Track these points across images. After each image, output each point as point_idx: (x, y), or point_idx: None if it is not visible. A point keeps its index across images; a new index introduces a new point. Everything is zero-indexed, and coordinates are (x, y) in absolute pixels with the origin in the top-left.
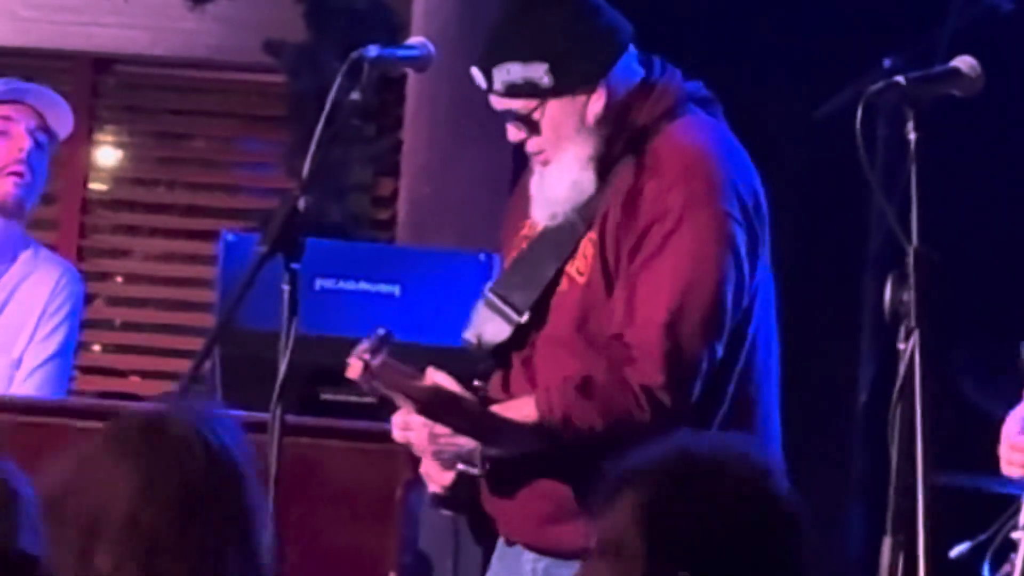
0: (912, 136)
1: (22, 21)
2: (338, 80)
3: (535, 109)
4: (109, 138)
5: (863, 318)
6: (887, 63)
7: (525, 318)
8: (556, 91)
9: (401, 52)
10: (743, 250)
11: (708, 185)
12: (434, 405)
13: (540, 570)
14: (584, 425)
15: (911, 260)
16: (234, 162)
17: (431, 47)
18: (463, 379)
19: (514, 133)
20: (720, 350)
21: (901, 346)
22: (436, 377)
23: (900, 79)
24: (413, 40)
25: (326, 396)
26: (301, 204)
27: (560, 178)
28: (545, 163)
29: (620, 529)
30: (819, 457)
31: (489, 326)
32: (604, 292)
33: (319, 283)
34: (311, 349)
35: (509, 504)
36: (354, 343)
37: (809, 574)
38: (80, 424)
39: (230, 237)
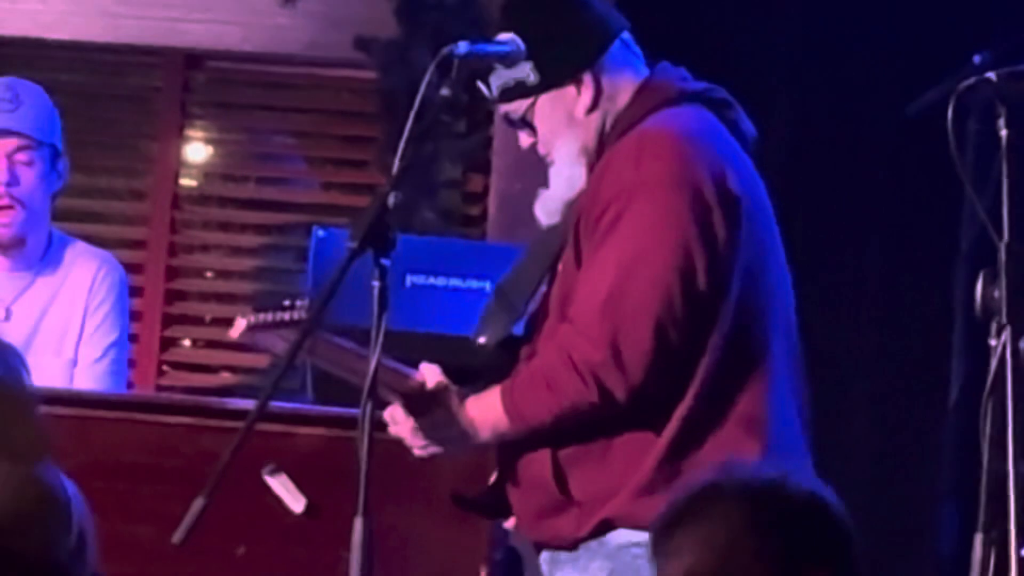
0: (1004, 132)
1: (112, 17)
2: (428, 76)
3: (528, 109)
4: (200, 134)
5: (955, 314)
6: (977, 59)
7: (522, 315)
8: (543, 87)
9: (491, 48)
10: (695, 235)
11: (660, 167)
12: (417, 401)
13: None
14: (541, 408)
15: (1003, 256)
16: (324, 158)
17: (521, 43)
18: (480, 373)
19: (524, 139)
20: (675, 335)
21: (993, 342)
22: (426, 373)
23: (991, 75)
24: (503, 36)
25: None
26: (391, 200)
27: (557, 175)
28: (551, 163)
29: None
30: (911, 454)
31: (492, 324)
32: (576, 276)
33: (409, 279)
34: (401, 345)
35: (513, 498)
36: (444, 339)
37: None
38: (171, 420)
39: (321, 233)
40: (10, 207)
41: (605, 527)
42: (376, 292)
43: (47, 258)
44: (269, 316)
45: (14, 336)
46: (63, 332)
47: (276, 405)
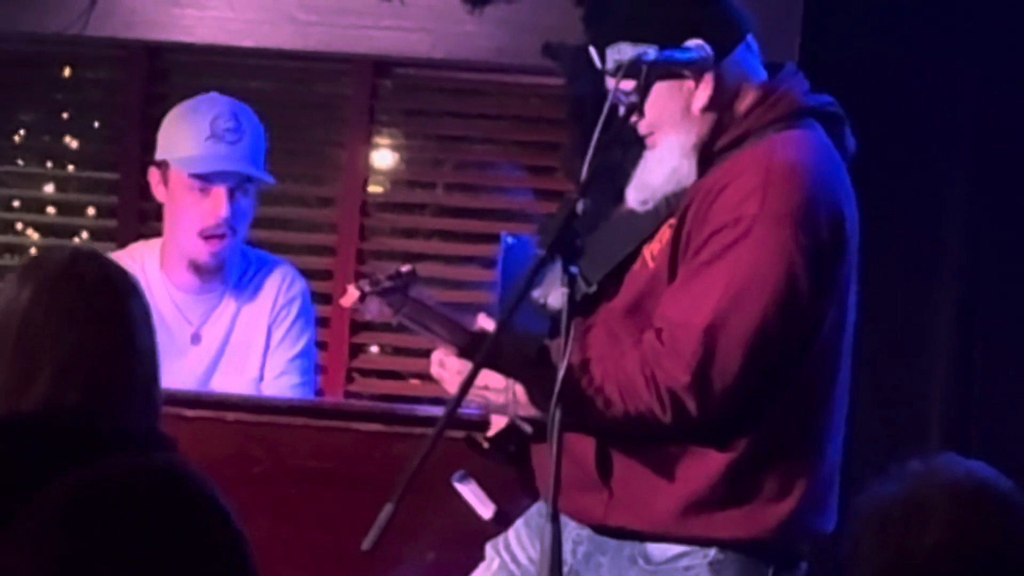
0: None
1: (301, 24)
2: (617, 82)
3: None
4: (388, 141)
5: None
6: None
7: (592, 289)
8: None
9: (678, 55)
10: (805, 278)
11: (785, 203)
12: (472, 351)
13: (580, 553)
14: (608, 410)
15: None
16: (513, 164)
17: (708, 49)
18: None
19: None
20: (761, 373)
21: None
22: (484, 324)
23: None
24: (690, 43)
25: None
26: (579, 207)
27: (660, 164)
28: (652, 147)
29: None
30: None
31: (557, 289)
32: (666, 281)
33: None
34: None
35: (543, 462)
36: None
37: None
38: (361, 427)
39: (510, 240)
40: (224, 236)
41: (635, 535)
42: (565, 298)
43: (234, 275)
44: (377, 285)
45: (202, 359)
46: (247, 350)
47: (466, 412)
